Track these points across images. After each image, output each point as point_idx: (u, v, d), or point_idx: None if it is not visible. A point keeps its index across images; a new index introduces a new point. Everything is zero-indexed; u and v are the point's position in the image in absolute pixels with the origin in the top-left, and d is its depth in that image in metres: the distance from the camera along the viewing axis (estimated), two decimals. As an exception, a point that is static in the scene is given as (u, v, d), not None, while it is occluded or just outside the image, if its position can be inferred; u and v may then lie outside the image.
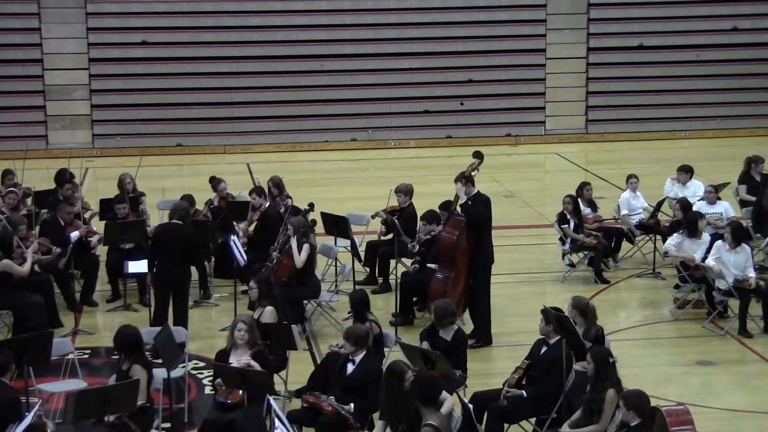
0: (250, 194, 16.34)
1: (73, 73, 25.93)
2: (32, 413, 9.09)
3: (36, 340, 10.70)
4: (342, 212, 15.60)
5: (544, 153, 26.37)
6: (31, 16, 25.72)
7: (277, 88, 26.49)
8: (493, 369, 12.68)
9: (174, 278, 13.30)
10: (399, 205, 15.64)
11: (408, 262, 15.03)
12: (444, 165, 22.61)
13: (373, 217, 16.16)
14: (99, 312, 14.94)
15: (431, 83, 26.88)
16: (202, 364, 12.85)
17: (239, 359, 10.42)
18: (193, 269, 14.26)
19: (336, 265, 15.33)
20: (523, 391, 10.41)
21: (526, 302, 14.73)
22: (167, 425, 11.03)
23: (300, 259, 13.73)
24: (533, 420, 10.54)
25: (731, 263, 13.82)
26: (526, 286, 15.94)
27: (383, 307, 14.60)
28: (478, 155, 13.77)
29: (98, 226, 15.98)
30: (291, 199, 16.34)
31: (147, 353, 10.76)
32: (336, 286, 15.00)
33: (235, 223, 15.70)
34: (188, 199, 15.36)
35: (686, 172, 17.45)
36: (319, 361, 11.96)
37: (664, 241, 15.67)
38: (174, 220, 13.57)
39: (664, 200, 16.86)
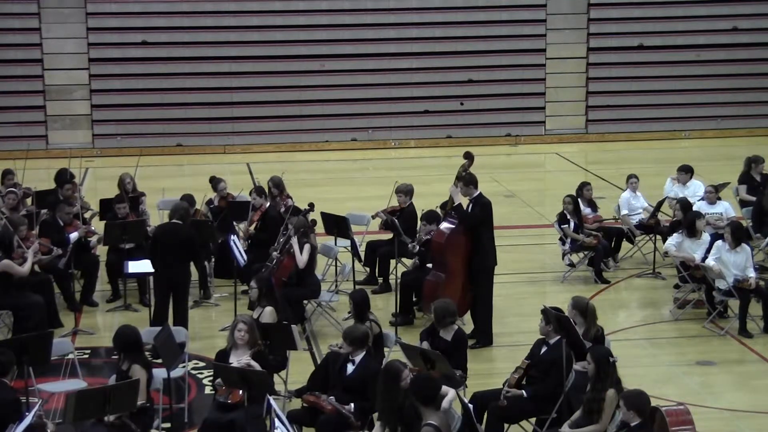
0: (250, 194, 16.35)
1: (73, 73, 25.92)
2: (32, 413, 9.09)
3: (36, 340, 10.71)
4: (342, 212, 15.60)
5: (544, 153, 26.36)
6: (31, 16, 25.70)
7: (277, 88, 26.47)
8: (493, 369, 12.68)
9: (174, 278, 13.31)
10: (399, 205, 15.64)
11: (408, 262, 15.05)
12: (444, 165, 22.59)
13: (373, 217, 16.17)
14: (99, 312, 14.94)
15: (431, 83, 26.86)
16: (202, 364, 12.85)
17: (239, 359, 10.42)
18: (193, 269, 14.26)
19: (336, 265, 15.34)
20: (523, 391, 10.40)
21: (526, 302, 14.74)
22: (167, 425, 11.04)
23: (302, 259, 13.74)
24: (533, 420, 10.54)
25: (731, 263, 13.82)
26: (526, 286, 15.93)
27: (383, 307, 14.60)
28: (468, 156, 13.82)
29: (98, 226, 15.97)
30: (291, 199, 16.33)
31: (147, 353, 10.76)
32: (336, 286, 15.01)
33: (235, 223, 15.72)
34: (188, 199, 15.38)
35: (686, 172, 17.45)
36: (319, 361, 11.96)
37: (664, 241, 15.67)
38: (174, 220, 13.58)
39: (664, 200, 16.85)
